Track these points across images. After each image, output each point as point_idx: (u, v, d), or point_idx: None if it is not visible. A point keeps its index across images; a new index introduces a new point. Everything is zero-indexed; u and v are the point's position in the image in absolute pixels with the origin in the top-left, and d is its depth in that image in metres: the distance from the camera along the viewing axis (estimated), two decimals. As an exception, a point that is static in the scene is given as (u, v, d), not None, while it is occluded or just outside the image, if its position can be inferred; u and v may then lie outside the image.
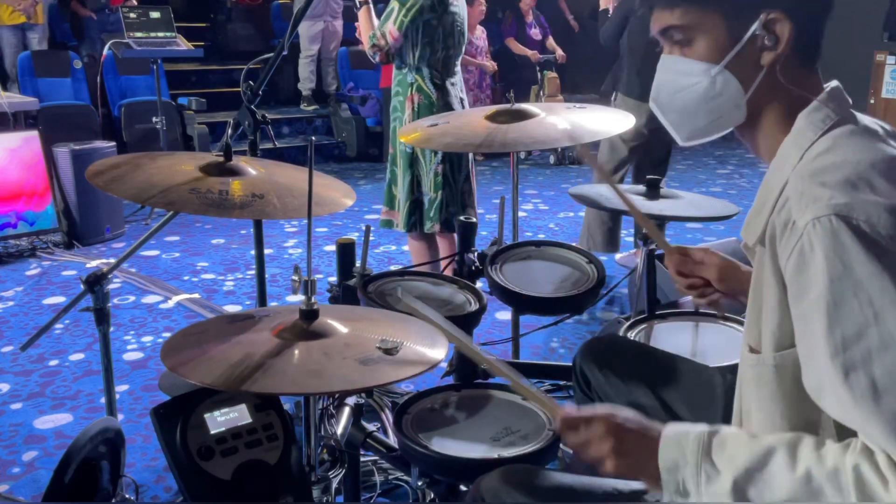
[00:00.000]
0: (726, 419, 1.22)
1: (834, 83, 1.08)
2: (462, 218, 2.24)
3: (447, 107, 3.06)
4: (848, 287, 0.90)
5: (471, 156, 3.20)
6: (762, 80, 1.07)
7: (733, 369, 1.61)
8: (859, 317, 0.89)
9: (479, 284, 2.06)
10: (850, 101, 1.09)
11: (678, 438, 1.04)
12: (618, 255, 4.34)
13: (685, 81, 1.11)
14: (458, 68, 3.22)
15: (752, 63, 1.07)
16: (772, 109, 1.09)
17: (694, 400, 1.52)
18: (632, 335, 1.90)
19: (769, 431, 1.04)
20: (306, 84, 7.94)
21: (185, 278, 4.23)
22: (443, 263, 2.62)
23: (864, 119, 1.07)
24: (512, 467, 1.31)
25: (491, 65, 7.44)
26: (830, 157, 0.98)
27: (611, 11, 4.11)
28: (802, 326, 0.96)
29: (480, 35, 7.25)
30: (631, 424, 1.09)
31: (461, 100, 3.19)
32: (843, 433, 0.96)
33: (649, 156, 4.13)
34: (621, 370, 1.58)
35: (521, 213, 5.36)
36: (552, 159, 7.64)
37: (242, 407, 1.51)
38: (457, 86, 3.18)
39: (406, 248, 4.64)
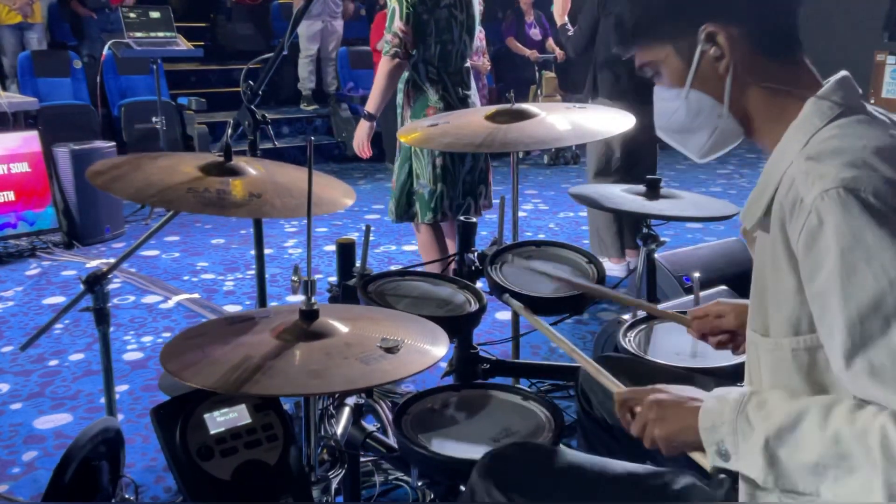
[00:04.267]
0: None
1: (843, 73, 1.09)
2: (462, 218, 2.24)
3: (443, 101, 3.05)
4: (860, 256, 0.90)
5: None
6: (732, 87, 1.10)
7: (729, 373, 1.61)
8: (874, 286, 0.89)
9: (479, 284, 2.06)
10: (860, 90, 1.09)
11: (719, 399, 1.06)
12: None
13: (671, 107, 1.16)
14: (466, 64, 3.21)
15: (713, 76, 1.10)
16: (757, 109, 1.11)
17: None
18: (631, 335, 1.90)
19: None
20: (306, 84, 7.95)
21: (185, 278, 4.23)
22: (442, 264, 2.61)
23: (874, 110, 1.07)
24: (516, 445, 1.32)
25: (485, 65, 7.43)
26: (836, 142, 0.99)
27: (568, 24, 4.02)
28: (819, 306, 0.95)
29: (478, 35, 7.23)
30: (671, 393, 1.14)
31: (466, 97, 3.16)
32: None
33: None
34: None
35: (521, 213, 5.35)
36: (545, 159, 7.62)
37: (242, 407, 1.51)
38: (464, 83, 3.17)
39: (406, 247, 4.67)
